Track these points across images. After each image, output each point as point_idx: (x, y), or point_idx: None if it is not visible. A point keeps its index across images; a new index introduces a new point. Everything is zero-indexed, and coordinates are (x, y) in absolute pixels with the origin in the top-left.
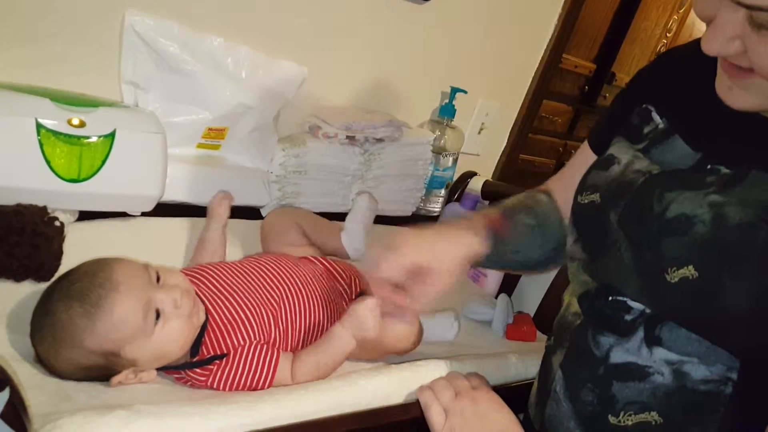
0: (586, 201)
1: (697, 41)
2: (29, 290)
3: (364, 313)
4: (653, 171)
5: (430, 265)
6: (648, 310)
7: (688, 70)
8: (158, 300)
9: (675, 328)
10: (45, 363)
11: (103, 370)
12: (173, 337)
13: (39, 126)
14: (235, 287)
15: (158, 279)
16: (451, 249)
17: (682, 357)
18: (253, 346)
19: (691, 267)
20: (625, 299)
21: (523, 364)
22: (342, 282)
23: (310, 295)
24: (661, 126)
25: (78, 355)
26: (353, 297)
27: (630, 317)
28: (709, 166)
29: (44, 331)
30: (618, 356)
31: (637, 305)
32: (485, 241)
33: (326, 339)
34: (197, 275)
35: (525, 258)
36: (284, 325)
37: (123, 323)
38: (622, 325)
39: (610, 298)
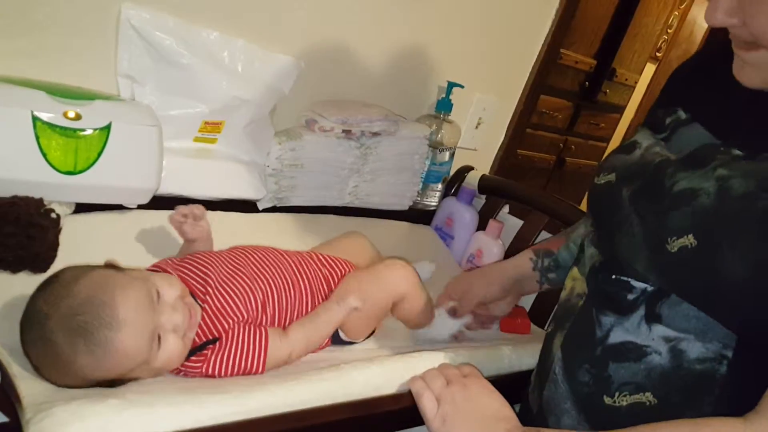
0: (602, 181)
1: (709, 46)
2: (25, 281)
3: (349, 287)
4: (671, 157)
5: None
6: (650, 289)
7: (704, 68)
8: (160, 325)
9: (674, 306)
10: (43, 377)
11: (103, 387)
12: (174, 355)
13: (35, 119)
14: (223, 274)
15: (158, 294)
16: (498, 271)
17: (679, 334)
18: (241, 327)
19: (690, 236)
20: (628, 279)
21: (516, 355)
22: (331, 271)
23: (297, 283)
24: (683, 117)
25: (80, 382)
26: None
27: (632, 296)
28: (722, 148)
29: (43, 355)
30: (617, 336)
31: (639, 284)
32: (530, 259)
33: (318, 310)
34: (186, 265)
35: None
36: (271, 310)
37: (128, 360)
38: (624, 304)
39: (614, 277)
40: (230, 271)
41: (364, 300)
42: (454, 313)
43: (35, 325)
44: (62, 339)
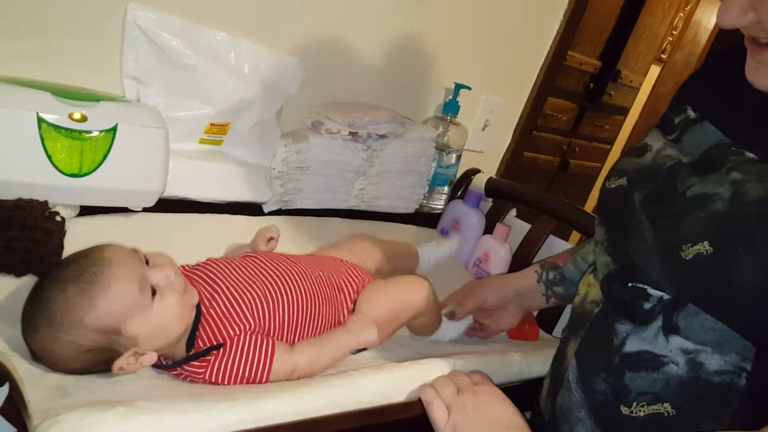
0: (613, 186)
1: (718, 47)
2: (30, 285)
3: (369, 325)
4: (683, 160)
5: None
6: (666, 297)
7: (716, 69)
8: (151, 277)
9: (691, 316)
10: (42, 354)
11: (104, 353)
12: (171, 311)
13: (40, 120)
14: (231, 281)
15: (147, 261)
16: (501, 279)
17: (697, 346)
18: (248, 336)
19: (705, 243)
20: (645, 287)
21: (526, 362)
22: (347, 280)
23: (308, 289)
24: (692, 116)
25: (78, 336)
26: (357, 293)
27: (648, 305)
28: (734, 149)
29: (39, 319)
30: (633, 344)
31: (656, 292)
32: (535, 272)
33: (332, 334)
34: (195, 271)
35: None
36: (281, 317)
37: (121, 296)
38: (641, 313)
39: (630, 284)
40: (240, 279)
41: (381, 331)
42: (451, 316)
43: (31, 296)
44: (54, 290)
